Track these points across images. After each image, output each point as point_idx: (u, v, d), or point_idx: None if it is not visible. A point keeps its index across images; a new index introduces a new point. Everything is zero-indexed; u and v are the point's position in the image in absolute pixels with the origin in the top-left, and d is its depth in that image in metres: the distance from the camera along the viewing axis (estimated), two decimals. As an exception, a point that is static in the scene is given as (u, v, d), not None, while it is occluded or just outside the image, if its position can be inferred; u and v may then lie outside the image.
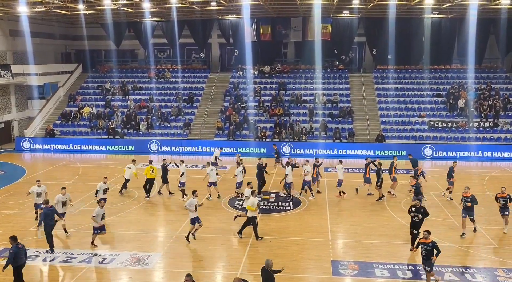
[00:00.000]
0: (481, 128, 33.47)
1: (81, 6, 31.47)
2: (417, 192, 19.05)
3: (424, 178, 22.07)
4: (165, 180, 22.07)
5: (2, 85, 36.01)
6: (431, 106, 35.94)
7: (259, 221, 18.58)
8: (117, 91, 39.69)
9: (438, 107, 35.90)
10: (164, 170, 22.03)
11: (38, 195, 17.80)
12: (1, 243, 16.39)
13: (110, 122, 35.55)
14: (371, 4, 31.98)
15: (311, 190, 21.88)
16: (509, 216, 17.25)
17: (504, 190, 17.34)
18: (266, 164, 22.38)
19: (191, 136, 34.99)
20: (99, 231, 15.93)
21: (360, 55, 43.74)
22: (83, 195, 22.39)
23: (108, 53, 44.23)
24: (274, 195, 22.27)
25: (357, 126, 34.82)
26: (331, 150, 31.96)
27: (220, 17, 40.09)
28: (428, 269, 12.99)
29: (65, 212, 17.16)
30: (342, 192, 22.20)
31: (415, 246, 13.79)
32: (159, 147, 33.30)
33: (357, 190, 22.40)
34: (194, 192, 16.80)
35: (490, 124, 33.54)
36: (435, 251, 12.81)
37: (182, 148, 33.21)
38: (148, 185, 22.07)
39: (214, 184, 21.81)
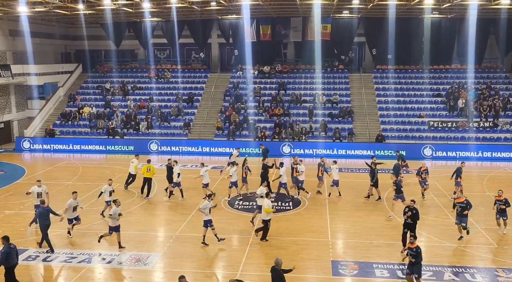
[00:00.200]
0: (481, 129, 33.48)
1: (81, 6, 31.47)
2: (398, 190, 18.85)
3: (421, 177, 21.66)
4: (170, 180, 22.05)
5: (2, 85, 36.01)
6: (431, 106, 35.95)
7: (259, 221, 18.59)
8: (117, 91, 39.69)
9: (438, 107, 35.91)
10: (169, 169, 22.01)
11: (39, 195, 17.62)
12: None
13: (110, 122, 35.55)
14: (371, 4, 31.98)
15: (303, 189, 21.90)
16: (502, 219, 17.00)
17: (501, 193, 17.07)
18: (273, 164, 22.40)
19: (191, 136, 35.00)
20: (113, 232, 15.77)
21: (360, 55, 43.76)
22: (83, 195, 22.36)
23: (108, 53, 44.24)
24: (274, 195, 22.25)
25: (357, 127, 34.83)
26: (331, 150, 31.96)
27: (220, 17, 40.10)
28: (416, 276, 12.63)
29: (77, 216, 16.81)
30: (318, 191, 22.24)
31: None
32: (159, 147, 33.30)
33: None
34: (209, 196, 16.68)
35: (490, 124, 33.55)
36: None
37: (182, 148, 33.22)
38: (146, 184, 22.13)
39: (207, 185, 21.69)
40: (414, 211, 15.16)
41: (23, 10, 31.29)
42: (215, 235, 16.25)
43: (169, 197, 22.04)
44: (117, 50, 43.03)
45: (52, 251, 15.61)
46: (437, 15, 37.85)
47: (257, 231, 16.90)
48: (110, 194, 18.80)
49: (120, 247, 15.83)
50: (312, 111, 35.58)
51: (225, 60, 45.07)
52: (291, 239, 16.82)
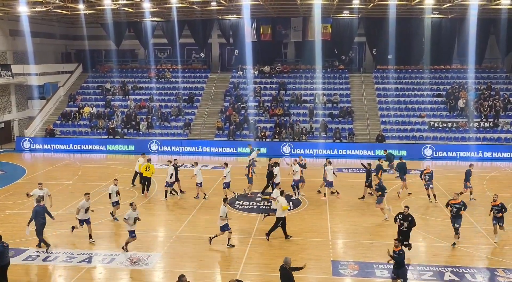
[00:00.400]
0: (481, 129, 33.47)
1: (81, 6, 31.49)
2: (380, 191, 18.83)
3: (424, 180, 21.56)
4: (176, 179, 22.06)
5: (2, 85, 36.03)
6: (431, 107, 35.94)
7: (259, 221, 18.61)
8: (117, 91, 39.70)
9: (438, 108, 35.90)
10: (175, 169, 22.04)
11: (41, 198, 17.08)
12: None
13: (110, 122, 35.56)
14: (371, 4, 31.98)
15: (298, 189, 21.94)
16: (499, 225, 16.31)
17: (496, 198, 16.37)
18: (278, 163, 22.39)
19: (191, 136, 35.00)
20: (135, 235, 15.53)
21: (360, 55, 43.75)
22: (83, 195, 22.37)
23: (108, 53, 44.25)
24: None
25: (357, 127, 34.82)
26: (331, 150, 31.95)
27: (220, 17, 40.10)
28: (401, 280, 12.46)
29: (88, 219, 16.49)
30: (336, 191, 22.25)
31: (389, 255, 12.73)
32: (159, 147, 33.30)
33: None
34: (225, 200, 16.64)
35: (490, 124, 33.54)
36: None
37: (182, 148, 33.21)
38: (146, 182, 22.24)
39: (200, 184, 21.76)
40: (409, 218, 14.68)
41: (23, 10, 31.30)
42: (229, 239, 16.23)
43: (178, 193, 22.15)
44: (118, 50, 43.04)
45: (48, 246, 15.71)
46: (438, 15, 37.84)
47: (286, 237, 16.74)
48: (117, 194, 18.66)
49: (124, 248, 15.70)
50: (313, 111, 35.57)
51: (225, 60, 45.07)
52: (291, 239, 16.79)
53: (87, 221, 16.45)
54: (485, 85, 36.99)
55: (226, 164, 22.04)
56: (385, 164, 22.96)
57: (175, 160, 22.73)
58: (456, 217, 15.99)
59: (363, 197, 21.73)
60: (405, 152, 30.65)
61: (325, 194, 22.16)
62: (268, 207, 20.67)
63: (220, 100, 38.52)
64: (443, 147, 31.85)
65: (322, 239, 16.92)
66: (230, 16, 39.75)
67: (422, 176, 21.08)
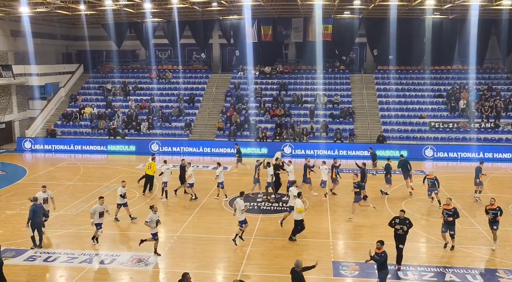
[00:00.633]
0: (482, 129, 33.44)
1: (82, 6, 31.52)
2: (359, 192, 18.79)
3: (424, 183, 21.23)
4: (182, 180, 22.09)
5: (4, 85, 36.07)
6: (432, 107, 35.91)
7: (260, 221, 18.61)
8: (118, 91, 39.72)
9: (439, 108, 35.87)
10: (182, 169, 22.07)
11: (44, 200, 17.19)
12: (2, 243, 16.41)
13: (111, 123, 35.58)
14: (372, 5, 31.96)
15: (288, 190, 21.94)
16: (493, 230, 15.78)
17: (493, 202, 15.72)
18: (283, 163, 22.39)
19: (192, 136, 35.01)
20: (157, 237, 15.40)
21: (361, 56, 43.75)
22: (84, 195, 22.42)
23: (109, 54, 44.29)
24: (273, 197, 22.25)
25: (358, 127, 34.81)
26: (332, 151, 31.90)
27: (221, 18, 40.12)
28: (377, 281, 12.36)
29: (101, 222, 16.19)
30: (332, 192, 22.22)
31: (369, 257, 12.51)
32: (160, 147, 33.30)
33: (382, 192, 22.22)
34: (242, 194, 16.86)
35: (491, 125, 33.51)
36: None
37: (183, 148, 33.21)
38: (149, 182, 22.32)
39: (192, 185, 21.69)
40: (407, 221, 14.24)
41: (24, 10, 31.35)
42: (237, 234, 16.39)
43: (191, 194, 22.06)
44: (119, 50, 43.07)
45: (34, 246, 15.85)
46: (439, 16, 37.83)
47: (292, 236, 16.74)
48: (124, 196, 18.58)
49: (155, 252, 15.52)
50: (313, 112, 35.57)
51: (226, 60, 45.07)
52: (292, 240, 16.79)
53: (99, 225, 16.13)
54: (486, 85, 36.97)
55: (219, 164, 22.11)
56: (394, 164, 22.79)
57: (182, 160, 22.75)
58: (448, 224, 15.41)
59: (364, 197, 21.68)
60: (406, 152, 30.58)
61: (325, 194, 22.16)
62: (269, 208, 20.71)
63: (221, 100, 38.53)
64: (444, 148, 31.83)
65: (322, 240, 16.91)
66: (231, 17, 39.77)
67: (425, 181, 20.78)
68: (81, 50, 44.78)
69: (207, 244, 16.42)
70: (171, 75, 41.54)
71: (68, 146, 34.17)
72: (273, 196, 22.07)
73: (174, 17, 36.99)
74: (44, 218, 16.81)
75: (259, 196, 22.29)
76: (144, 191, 22.52)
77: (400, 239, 14.29)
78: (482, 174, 21.22)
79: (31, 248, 15.84)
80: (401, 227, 14.22)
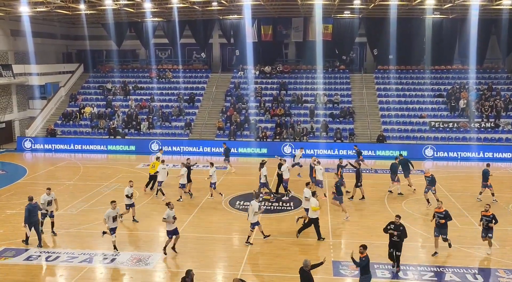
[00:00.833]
0: (482, 129, 33.44)
1: (82, 6, 31.51)
2: (338, 191, 18.73)
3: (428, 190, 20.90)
4: (188, 179, 22.05)
5: (4, 85, 36.07)
6: (432, 107, 35.91)
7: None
8: (118, 91, 39.72)
9: (439, 108, 35.87)
10: (188, 169, 22.03)
11: (49, 203, 17.13)
12: (2, 243, 16.45)
13: (111, 122, 35.58)
14: (372, 5, 31.96)
15: (286, 190, 21.96)
16: (487, 238, 15.38)
17: (487, 208, 15.38)
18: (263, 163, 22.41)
19: (192, 136, 35.01)
20: (172, 236, 15.28)
21: (361, 56, 43.75)
22: (84, 195, 22.43)
23: (109, 53, 44.29)
24: (273, 196, 22.25)
25: (358, 127, 34.81)
26: (332, 150, 31.92)
27: (221, 17, 40.12)
28: None
29: (116, 227, 15.75)
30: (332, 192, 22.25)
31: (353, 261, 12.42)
32: (160, 147, 33.27)
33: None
34: (257, 195, 16.88)
35: (491, 124, 33.50)
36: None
37: (183, 148, 33.21)
38: (152, 181, 22.43)
39: (183, 185, 21.51)
40: (401, 228, 13.92)
41: (24, 10, 31.34)
42: (248, 236, 16.44)
43: (191, 196, 22.06)
44: (119, 50, 43.07)
45: (26, 244, 15.96)
46: (439, 16, 37.82)
47: (298, 232, 16.87)
48: (131, 196, 18.50)
49: (164, 251, 15.42)
50: (313, 111, 35.57)
51: (226, 60, 45.07)
52: (292, 240, 16.81)
53: (113, 230, 15.67)
54: (486, 85, 36.96)
55: (211, 164, 22.07)
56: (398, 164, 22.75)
57: (188, 159, 22.72)
58: (440, 228, 15.21)
59: (363, 197, 21.73)
60: (406, 152, 30.56)
61: (325, 194, 22.13)
62: (269, 207, 20.71)
63: (221, 100, 38.53)
64: (444, 147, 31.83)
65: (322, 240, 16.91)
66: (231, 16, 39.76)
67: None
68: (81, 50, 44.78)
69: (207, 244, 16.43)
70: (171, 75, 41.54)
71: (68, 145, 34.18)
72: (272, 195, 22.08)
73: (174, 16, 37.00)
74: (50, 218, 16.95)
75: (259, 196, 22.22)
76: (145, 189, 22.53)
77: (396, 246, 14.05)
78: (490, 175, 21.13)
79: (23, 241, 16.05)
80: (394, 234, 13.87)
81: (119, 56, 43.44)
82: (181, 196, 21.47)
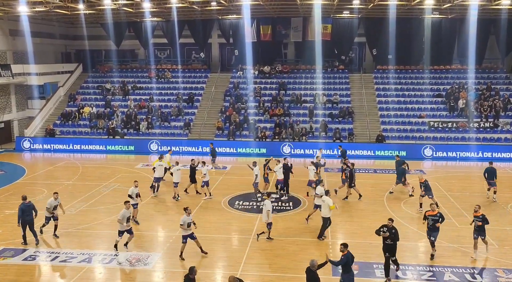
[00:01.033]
0: (481, 129, 33.47)
1: (81, 6, 31.50)
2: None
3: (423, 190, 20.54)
4: (193, 180, 22.13)
5: (2, 85, 36.03)
6: (431, 107, 35.93)
7: (259, 221, 18.58)
8: (117, 91, 39.70)
9: (438, 108, 35.89)
10: (192, 170, 22.08)
11: (55, 207, 17.05)
12: (1, 243, 16.43)
13: (110, 122, 35.55)
14: (371, 5, 31.99)
15: (282, 190, 21.97)
16: (480, 238, 15.08)
17: (477, 209, 15.17)
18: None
19: (191, 136, 34.99)
20: (186, 240, 15.15)
21: (360, 56, 43.76)
22: (83, 195, 22.41)
23: (108, 53, 44.27)
24: (274, 195, 22.23)
25: (357, 127, 34.82)
26: (331, 150, 31.90)
27: (220, 17, 40.11)
28: None
29: (130, 228, 15.67)
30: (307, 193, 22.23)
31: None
32: (159, 147, 33.27)
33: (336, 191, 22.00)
34: (269, 195, 17.18)
35: (490, 124, 33.54)
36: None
37: (182, 148, 33.19)
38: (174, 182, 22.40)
39: (176, 184, 21.62)
40: (393, 231, 13.64)
41: (23, 10, 31.30)
42: (259, 234, 16.80)
43: (197, 193, 22.25)
44: (118, 50, 43.05)
45: (25, 243, 15.95)
46: (438, 16, 37.85)
47: (319, 236, 16.88)
48: (137, 196, 18.39)
49: (202, 251, 15.40)
50: (313, 111, 35.57)
51: (225, 60, 45.07)
52: (291, 239, 16.81)
53: (129, 231, 15.59)
54: (485, 85, 37.00)
55: (203, 163, 22.20)
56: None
57: (192, 159, 22.73)
58: (432, 230, 14.93)
59: (360, 197, 21.70)
60: (405, 152, 30.63)
61: (308, 193, 22.05)
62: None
63: (220, 100, 38.52)
64: (443, 147, 31.85)
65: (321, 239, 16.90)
66: (230, 16, 39.76)
67: (420, 187, 20.18)
68: (80, 50, 44.77)
69: (206, 244, 16.37)
70: (170, 75, 41.52)
71: (67, 145, 34.15)
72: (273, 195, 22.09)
73: (173, 16, 37.01)
74: (54, 221, 16.96)
75: (258, 195, 22.22)
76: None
77: (390, 250, 13.74)
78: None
79: (22, 243, 16.06)
80: (387, 237, 13.66)
81: (118, 56, 43.40)
82: (176, 195, 21.67)
